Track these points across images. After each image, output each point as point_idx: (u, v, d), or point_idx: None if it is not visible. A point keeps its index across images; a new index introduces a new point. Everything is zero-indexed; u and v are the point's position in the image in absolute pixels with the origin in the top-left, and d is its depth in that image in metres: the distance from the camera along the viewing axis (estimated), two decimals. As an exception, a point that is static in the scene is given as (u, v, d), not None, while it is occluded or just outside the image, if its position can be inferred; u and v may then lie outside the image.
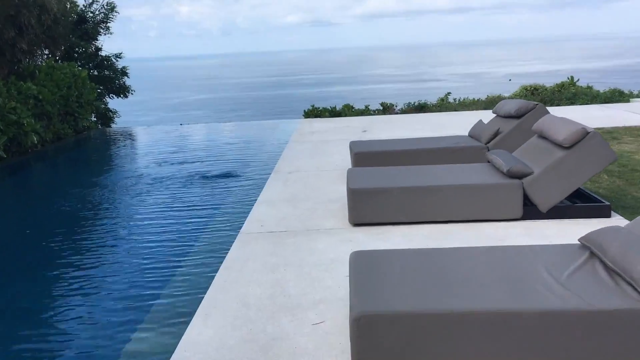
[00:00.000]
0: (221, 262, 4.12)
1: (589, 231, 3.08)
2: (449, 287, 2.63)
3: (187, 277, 4.07)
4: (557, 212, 4.69)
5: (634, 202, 5.16)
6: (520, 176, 4.67)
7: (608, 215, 4.65)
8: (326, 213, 5.20)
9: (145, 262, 4.42)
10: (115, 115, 15.78)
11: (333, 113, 15.18)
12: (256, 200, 5.82)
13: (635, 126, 9.10)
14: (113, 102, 16.28)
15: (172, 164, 8.44)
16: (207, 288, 3.69)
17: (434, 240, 4.36)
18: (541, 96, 15.65)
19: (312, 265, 3.95)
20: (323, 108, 15.83)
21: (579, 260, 2.84)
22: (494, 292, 2.56)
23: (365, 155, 6.26)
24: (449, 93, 16.91)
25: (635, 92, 15.74)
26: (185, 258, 4.45)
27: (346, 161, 7.52)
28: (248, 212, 5.36)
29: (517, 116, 6.13)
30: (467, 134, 7.72)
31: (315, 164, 7.51)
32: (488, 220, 4.71)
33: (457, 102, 15.89)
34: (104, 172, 8.23)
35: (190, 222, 5.37)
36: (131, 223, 5.47)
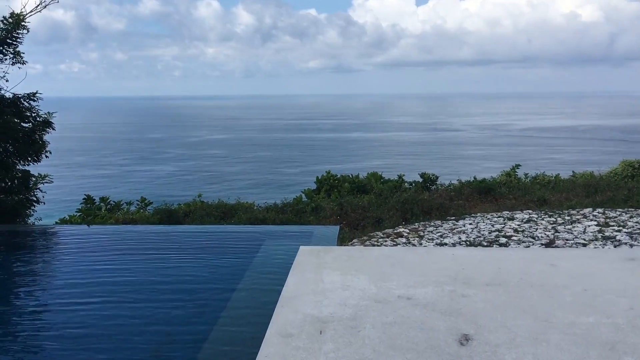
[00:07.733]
0: None
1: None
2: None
3: None
4: None
5: None
6: None
7: None
8: None
9: None
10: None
11: (354, 184, 11.82)
12: None
13: None
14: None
15: None
16: None
17: None
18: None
19: None
20: (341, 176, 12.49)
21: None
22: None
23: None
24: (517, 165, 12.93)
25: None
26: None
27: None
28: None
29: None
30: None
31: None
32: None
33: (530, 181, 12.00)
34: None
35: None
36: None
